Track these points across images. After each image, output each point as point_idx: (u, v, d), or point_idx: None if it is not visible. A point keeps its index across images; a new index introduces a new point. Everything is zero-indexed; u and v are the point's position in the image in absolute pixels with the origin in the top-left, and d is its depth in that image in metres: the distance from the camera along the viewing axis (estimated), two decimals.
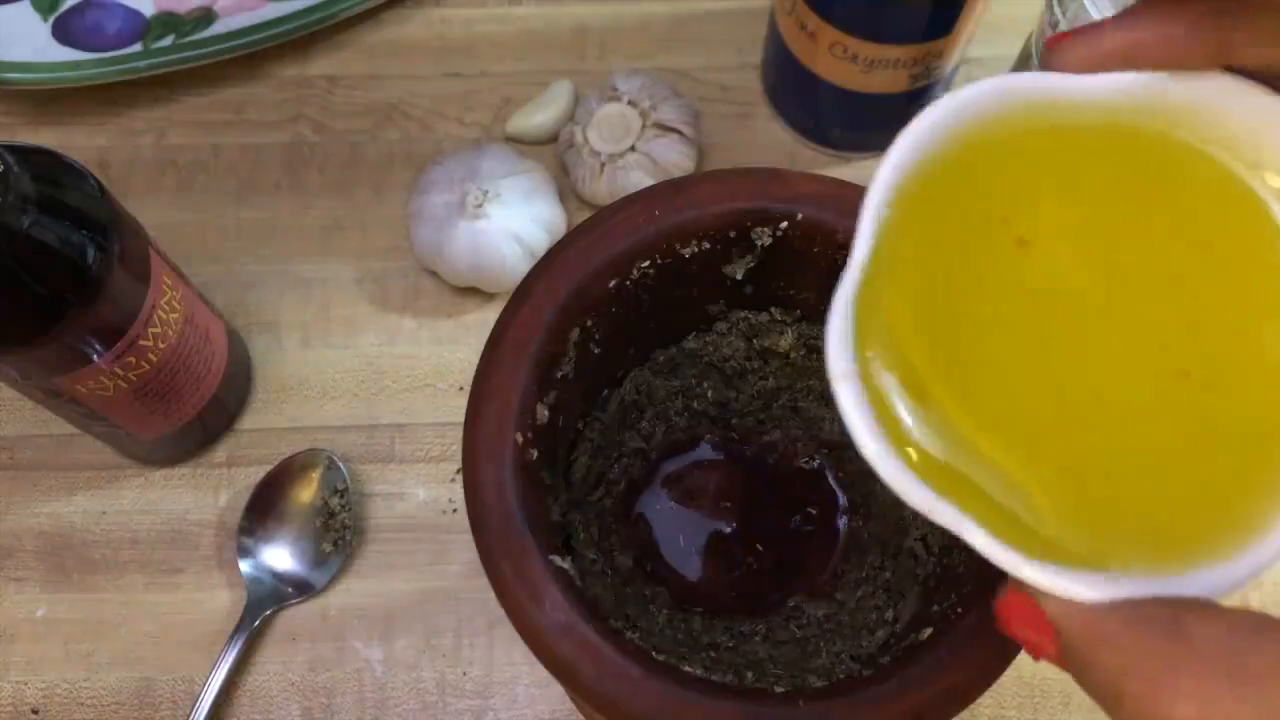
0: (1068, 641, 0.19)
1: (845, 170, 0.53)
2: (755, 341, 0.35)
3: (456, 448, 0.47)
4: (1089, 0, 0.38)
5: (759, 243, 0.30)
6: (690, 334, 0.35)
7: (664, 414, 0.37)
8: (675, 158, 0.50)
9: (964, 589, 0.27)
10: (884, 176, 0.20)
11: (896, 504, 0.35)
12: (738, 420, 0.37)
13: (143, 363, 0.39)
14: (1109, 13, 0.37)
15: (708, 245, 0.30)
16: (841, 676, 0.28)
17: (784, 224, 0.29)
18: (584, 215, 0.50)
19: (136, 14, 0.53)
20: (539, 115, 0.53)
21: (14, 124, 0.54)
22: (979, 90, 0.21)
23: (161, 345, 0.40)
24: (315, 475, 0.46)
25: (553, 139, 0.53)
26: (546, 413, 0.28)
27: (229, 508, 0.46)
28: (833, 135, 0.53)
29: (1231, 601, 0.18)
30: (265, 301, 0.50)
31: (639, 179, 0.49)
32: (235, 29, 0.53)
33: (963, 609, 0.26)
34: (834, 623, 0.33)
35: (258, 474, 0.46)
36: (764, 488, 0.37)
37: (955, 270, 0.20)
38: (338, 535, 0.45)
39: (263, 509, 0.45)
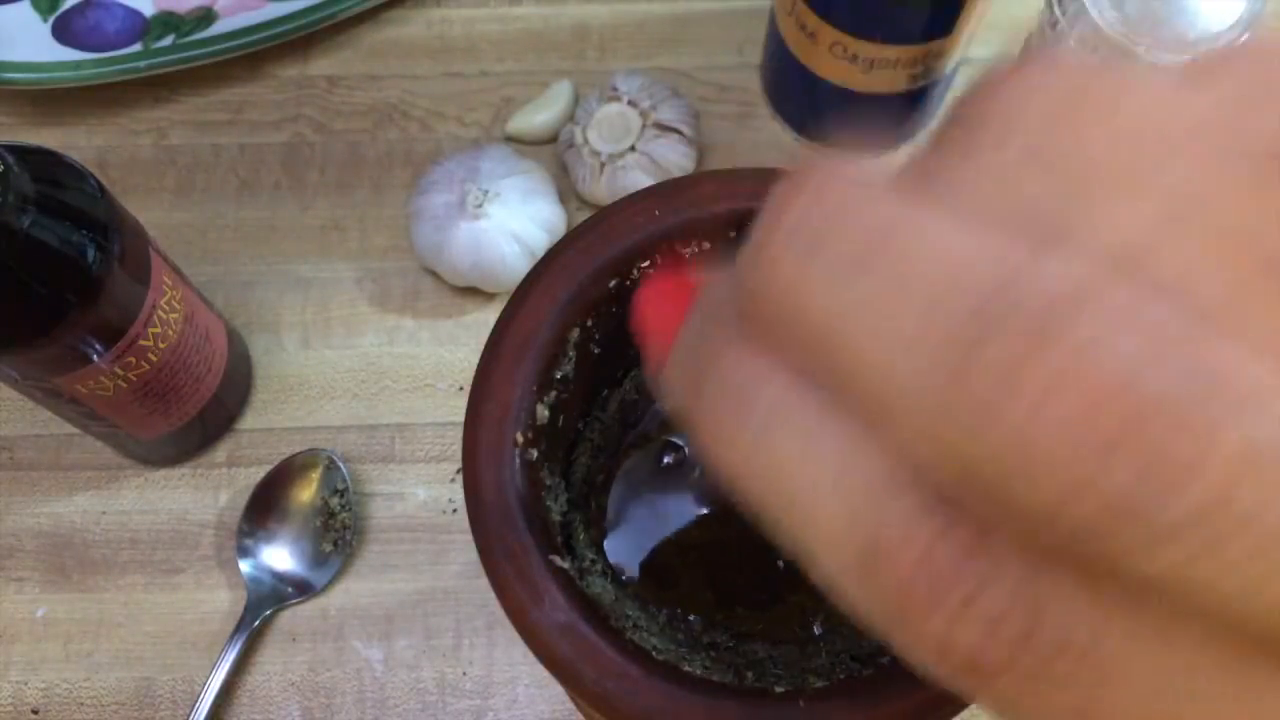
0: None
1: None
2: None
3: (456, 448, 0.47)
4: (1089, 1, 0.38)
5: None
6: None
7: (663, 414, 0.37)
8: (675, 158, 0.50)
9: None
10: None
11: None
12: None
13: (143, 363, 0.39)
14: (1108, 13, 0.37)
15: (708, 245, 0.30)
16: (841, 676, 0.28)
17: None
18: (584, 215, 0.50)
19: (136, 14, 0.53)
20: (539, 115, 0.53)
21: (14, 124, 0.54)
22: None
23: (161, 345, 0.40)
24: (315, 475, 0.46)
25: (553, 139, 0.53)
26: (546, 413, 0.28)
27: (229, 508, 0.46)
28: (833, 135, 0.53)
29: None
30: (265, 301, 0.50)
31: (639, 179, 0.49)
32: (235, 29, 0.53)
33: None
34: (834, 623, 0.33)
35: (258, 474, 0.46)
36: None
37: None
38: (338, 535, 0.45)
39: (263, 509, 0.45)
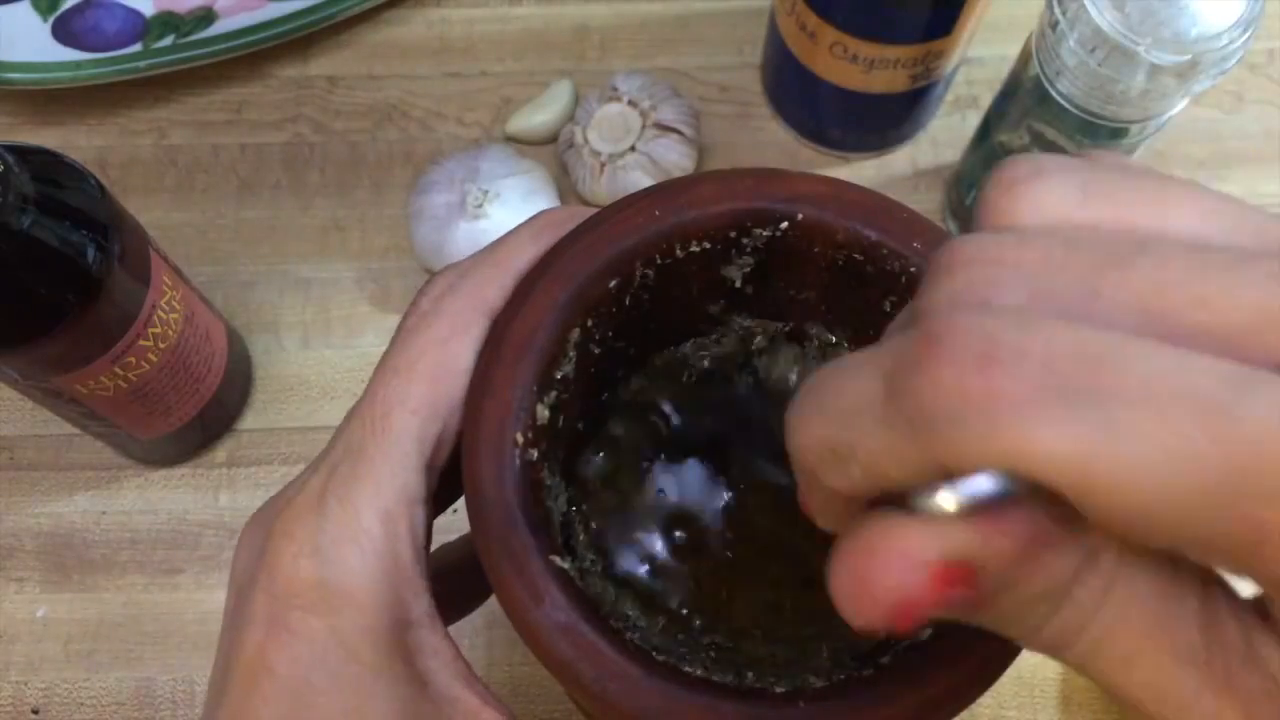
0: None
1: (845, 170, 0.53)
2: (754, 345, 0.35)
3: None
4: (1089, 1, 0.38)
5: (759, 243, 0.30)
6: (690, 335, 0.35)
7: (663, 415, 0.37)
8: (675, 158, 0.50)
9: None
10: None
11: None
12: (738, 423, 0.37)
13: (143, 363, 0.39)
14: (1109, 13, 0.37)
15: (708, 245, 0.30)
16: (841, 676, 0.28)
17: (784, 224, 0.29)
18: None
19: (136, 14, 0.53)
20: (539, 115, 0.53)
21: (14, 124, 0.54)
22: None
23: (161, 345, 0.40)
24: None
25: (553, 139, 0.53)
26: (546, 413, 0.28)
27: (229, 508, 0.46)
28: (833, 135, 0.53)
29: None
30: (265, 301, 0.50)
31: (639, 179, 0.49)
32: (235, 29, 0.53)
33: None
34: (834, 622, 0.33)
35: (258, 474, 0.46)
36: (764, 490, 0.36)
37: None
38: None
39: None
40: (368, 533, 0.24)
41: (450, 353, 0.26)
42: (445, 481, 0.27)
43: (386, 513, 0.24)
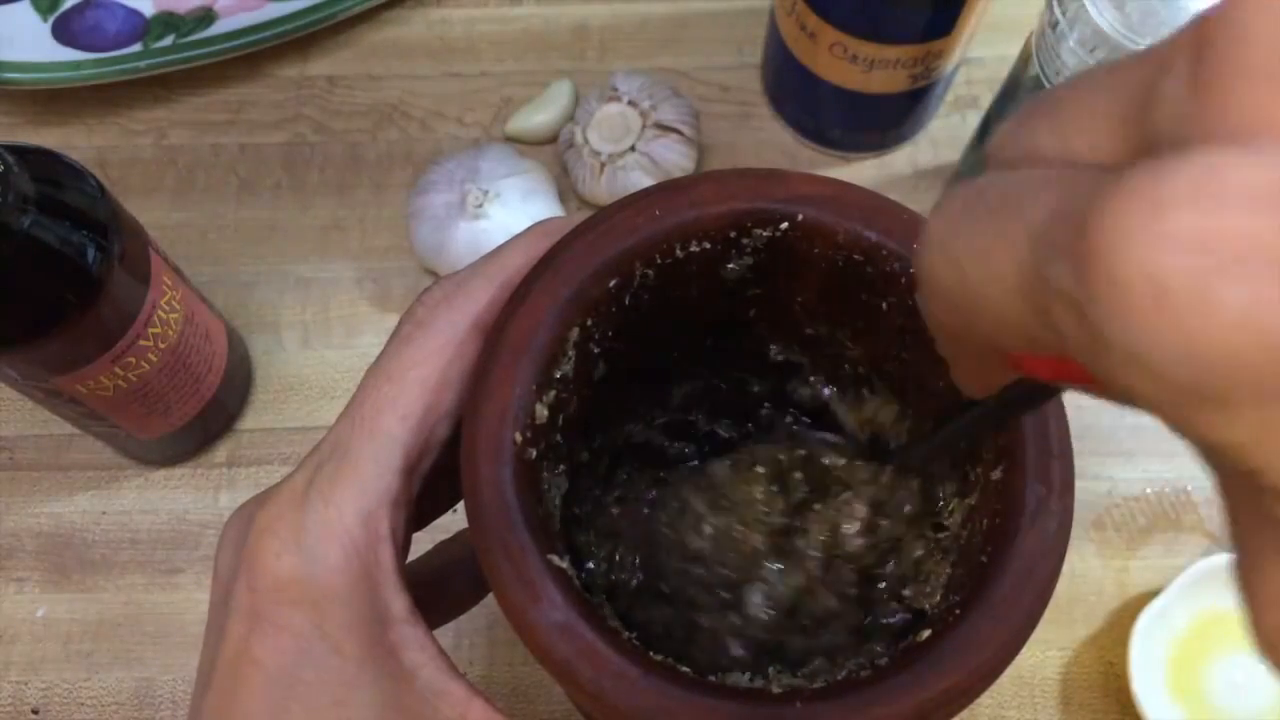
0: None
1: (845, 170, 0.53)
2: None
3: None
4: (1089, 0, 0.38)
5: (759, 244, 0.30)
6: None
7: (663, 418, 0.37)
8: (675, 158, 0.50)
9: (963, 593, 0.27)
10: None
11: (895, 509, 0.35)
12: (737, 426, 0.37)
13: (143, 363, 0.39)
14: (1108, 13, 0.37)
15: (708, 245, 0.30)
16: (841, 676, 0.28)
17: (784, 225, 0.29)
18: (584, 215, 0.50)
19: (136, 14, 0.53)
20: (539, 115, 0.53)
21: (14, 124, 0.54)
22: None
23: (161, 345, 0.40)
24: None
25: (553, 139, 0.53)
26: (546, 412, 0.28)
27: (229, 508, 0.46)
28: (833, 135, 0.53)
29: None
30: (265, 301, 0.50)
31: (639, 179, 0.49)
32: (235, 29, 0.53)
33: (962, 610, 0.26)
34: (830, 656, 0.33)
35: (258, 474, 0.46)
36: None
37: None
38: None
39: None
40: (349, 531, 0.24)
41: (441, 363, 0.27)
42: (444, 482, 0.27)
43: (368, 513, 0.24)
